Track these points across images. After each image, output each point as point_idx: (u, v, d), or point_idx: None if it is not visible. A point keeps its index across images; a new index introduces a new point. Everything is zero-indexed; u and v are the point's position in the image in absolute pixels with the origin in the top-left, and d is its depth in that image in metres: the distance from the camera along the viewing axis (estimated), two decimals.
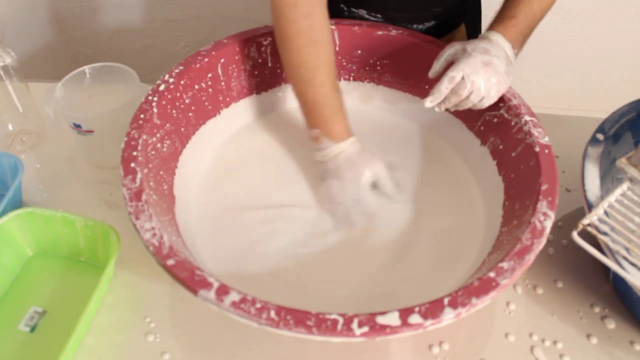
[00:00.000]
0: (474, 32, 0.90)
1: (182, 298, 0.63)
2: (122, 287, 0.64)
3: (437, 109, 0.65)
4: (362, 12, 0.80)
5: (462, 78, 0.61)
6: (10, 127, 0.82)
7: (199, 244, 0.63)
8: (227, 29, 1.40)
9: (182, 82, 0.68)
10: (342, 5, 0.82)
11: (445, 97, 0.63)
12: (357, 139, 0.68)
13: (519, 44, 0.67)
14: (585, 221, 0.57)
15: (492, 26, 0.67)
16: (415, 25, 0.82)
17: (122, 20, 1.40)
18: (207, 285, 0.48)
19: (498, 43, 0.65)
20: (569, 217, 0.71)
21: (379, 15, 0.82)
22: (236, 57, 0.73)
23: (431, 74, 0.68)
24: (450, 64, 0.65)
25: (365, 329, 0.45)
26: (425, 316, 0.46)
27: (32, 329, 0.60)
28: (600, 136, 0.65)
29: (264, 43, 0.74)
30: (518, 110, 0.65)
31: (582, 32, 1.29)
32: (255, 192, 0.70)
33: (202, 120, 0.72)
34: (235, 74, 0.74)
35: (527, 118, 0.64)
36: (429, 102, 0.63)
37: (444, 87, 0.62)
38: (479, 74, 0.61)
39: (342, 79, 0.79)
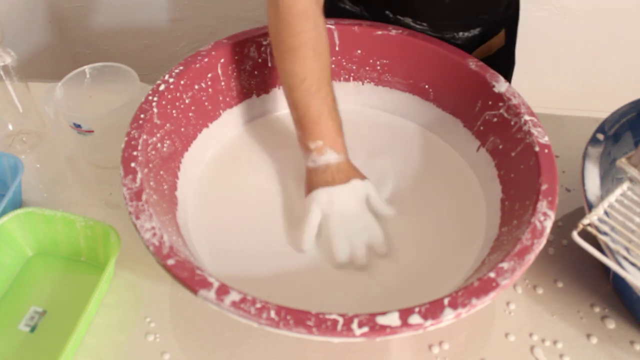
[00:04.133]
0: (512, 37, 0.89)
1: (182, 298, 0.63)
2: (122, 287, 0.64)
3: None
4: (408, 20, 0.78)
5: None
6: (10, 127, 0.82)
7: (199, 243, 0.63)
8: (227, 29, 1.40)
9: (182, 82, 0.68)
10: (387, 12, 0.79)
11: None
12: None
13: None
14: (585, 221, 0.56)
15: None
16: (461, 33, 0.81)
17: (122, 20, 1.40)
18: (207, 285, 0.48)
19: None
20: (569, 217, 0.71)
21: (424, 24, 0.79)
22: (236, 57, 0.73)
23: None
24: None
25: (365, 329, 0.45)
26: (425, 316, 0.46)
27: (32, 329, 0.60)
28: (600, 136, 0.65)
29: (264, 43, 0.74)
30: (518, 109, 0.65)
31: (582, 32, 1.29)
32: (256, 192, 0.70)
33: (203, 120, 0.72)
34: (235, 74, 0.74)
35: (526, 117, 0.64)
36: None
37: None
38: None
39: (342, 79, 0.79)
